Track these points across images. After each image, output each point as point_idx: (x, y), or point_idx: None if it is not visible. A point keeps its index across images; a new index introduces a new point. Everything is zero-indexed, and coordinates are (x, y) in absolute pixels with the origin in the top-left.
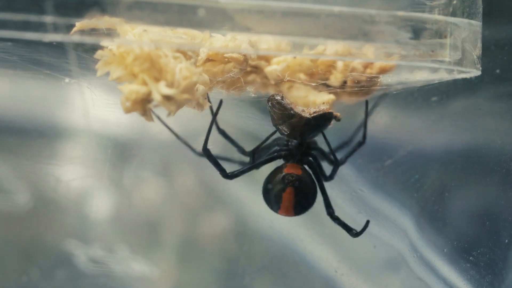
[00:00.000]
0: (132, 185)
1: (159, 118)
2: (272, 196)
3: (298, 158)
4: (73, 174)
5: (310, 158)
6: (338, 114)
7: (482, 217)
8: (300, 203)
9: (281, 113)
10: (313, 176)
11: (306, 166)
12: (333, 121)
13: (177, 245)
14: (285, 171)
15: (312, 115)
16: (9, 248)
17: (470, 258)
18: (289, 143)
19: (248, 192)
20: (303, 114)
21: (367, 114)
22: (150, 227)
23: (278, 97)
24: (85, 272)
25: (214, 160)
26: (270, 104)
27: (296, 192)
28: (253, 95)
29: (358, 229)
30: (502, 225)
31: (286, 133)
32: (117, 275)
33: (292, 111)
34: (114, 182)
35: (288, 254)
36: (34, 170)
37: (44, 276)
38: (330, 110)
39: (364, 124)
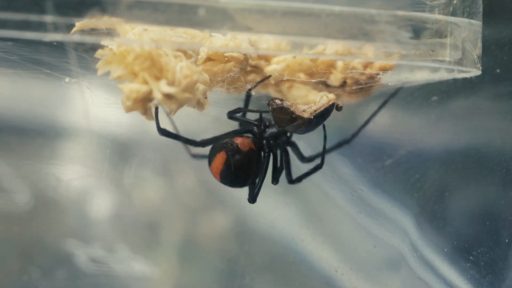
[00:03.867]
0: (132, 184)
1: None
2: (211, 150)
3: (263, 142)
4: (74, 173)
5: (278, 150)
6: (340, 103)
7: (482, 217)
8: (226, 172)
9: (283, 117)
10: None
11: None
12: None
13: (178, 244)
14: (234, 139)
15: (314, 114)
16: (9, 247)
17: (471, 257)
18: (268, 127)
19: (248, 192)
20: (304, 115)
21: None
22: (151, 226)
23: (278, 101)
24: (85, 271)
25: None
26: (271, 109)
27: (226, 159)
28: (253, 93)
29: None
30: (502, 224)
31: (292, 131)
32: (117, 275)
33: (294, 115)
34: (114, 181)
35: (288, 254)
36: (35, 169)
37: (44, 275)
38: (330, 103)
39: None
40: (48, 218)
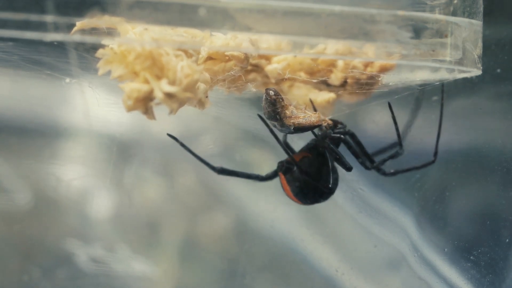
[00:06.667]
0: (132, 184)
1: (176, 139)
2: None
3: (315, 146)
4: (74, 173)
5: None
6: (329, 122)
7: (482, 217)
8: (297, 191)
9: (270, 109)
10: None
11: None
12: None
13: (178, 244)
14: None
15: (295, 126)
16: (9, 247)
17: (471, 257)
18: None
19: (248, 192)
20: (287, 121)
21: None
22: (151, 226)
23: (271, 92)
24: (85, 271)
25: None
26: (264, 97)
27: (287, 178)
28: (254, 89)
29: None
30: (502, 224)
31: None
32: (118, 275)
33: (278, 115)
34: (115, 181)
35: (289, 254)
36: (35, 169)
37: (44, 275)
38: (318, 124)
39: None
40: (48, 218)
